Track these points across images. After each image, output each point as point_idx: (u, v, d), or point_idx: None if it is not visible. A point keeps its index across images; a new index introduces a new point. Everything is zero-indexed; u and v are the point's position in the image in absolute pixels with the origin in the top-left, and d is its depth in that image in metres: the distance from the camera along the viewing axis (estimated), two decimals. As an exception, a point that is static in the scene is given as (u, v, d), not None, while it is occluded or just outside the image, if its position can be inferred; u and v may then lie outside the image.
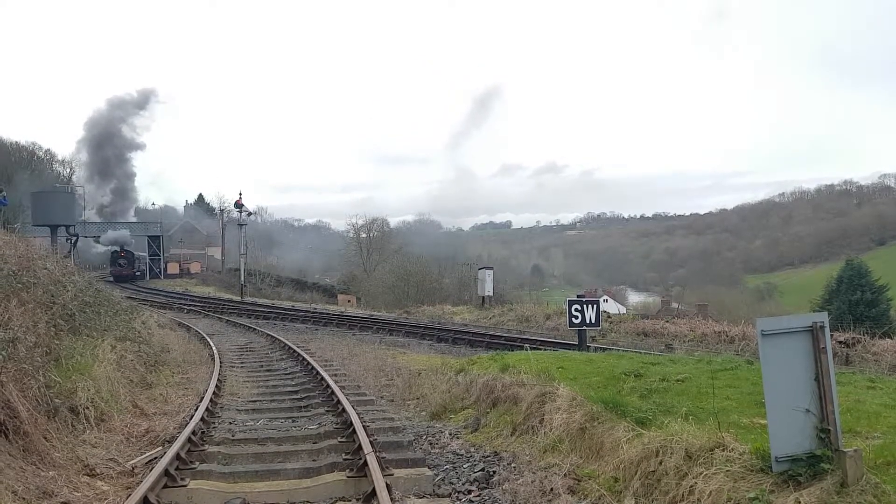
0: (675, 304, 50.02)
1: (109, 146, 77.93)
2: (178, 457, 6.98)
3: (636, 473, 5.52)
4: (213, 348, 17.57)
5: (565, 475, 6.13)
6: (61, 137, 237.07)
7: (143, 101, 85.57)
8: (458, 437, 8.47)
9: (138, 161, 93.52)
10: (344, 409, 9.18)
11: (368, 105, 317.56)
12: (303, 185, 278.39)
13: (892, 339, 18.32)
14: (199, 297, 48.53)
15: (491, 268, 41.57)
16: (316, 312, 34.85)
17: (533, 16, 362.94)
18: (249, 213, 56.92)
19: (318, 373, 12.78)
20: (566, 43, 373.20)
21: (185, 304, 38.95)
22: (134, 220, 79.98)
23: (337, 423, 8.88)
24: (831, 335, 4.82)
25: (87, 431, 7.90)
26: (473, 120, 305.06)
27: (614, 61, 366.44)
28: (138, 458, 7.39)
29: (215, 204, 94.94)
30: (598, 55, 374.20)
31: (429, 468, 7.05)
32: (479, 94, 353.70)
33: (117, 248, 66.49)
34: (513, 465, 6.95)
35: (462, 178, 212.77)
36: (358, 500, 6.25)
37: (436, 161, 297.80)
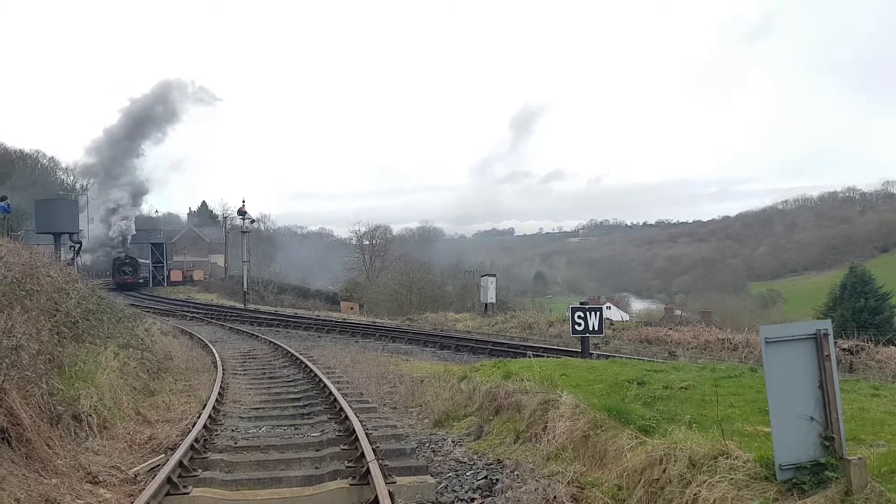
0: (678, 312, 49.95)
1: (152, 109, 75.03)
2: (180, 464, 6.98)
3: (640, 482, 5.51)
4: (216, 355, 17.56)
5: (568, 483, 6.11)
6: (65, 146, 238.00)
7: (198, 96, 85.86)
8: (461, 445, 8.46)
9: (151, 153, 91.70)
10: (346, 417, 9.17)
11: (379, 117, 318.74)
12: (308, 193, 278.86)
13: (895, 346, 18.25)
14: (202, 304, 48.61)
15: (494, 275, 41.50)
16: (319, 320, 34.85)
17: (539, 25, 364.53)
18: (252, 221, 56.93)
19: (320, 380, 12.77)
20: (573, 53, 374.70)
21: (188, 312, 38.95)
22: (136, 213, 78.97)
23: (339, 431, 8.87)
24: (835, 342, 4.81)
25: (90, 439, 7.90)
26: (494, 137, 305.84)
27: (621, 70, 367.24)
28: (141, 466, 7.38)
29: (218, 211, 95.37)
30: (605, 65, 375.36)
31: (432, 476, 7.04)
32: (492, 109, 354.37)
33: (120, 255, 66.47)
34: (516, 472, 6.93)
35: (475, 187, 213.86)
36: (360, 508, 6.24)
37: (450, 175, 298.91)
